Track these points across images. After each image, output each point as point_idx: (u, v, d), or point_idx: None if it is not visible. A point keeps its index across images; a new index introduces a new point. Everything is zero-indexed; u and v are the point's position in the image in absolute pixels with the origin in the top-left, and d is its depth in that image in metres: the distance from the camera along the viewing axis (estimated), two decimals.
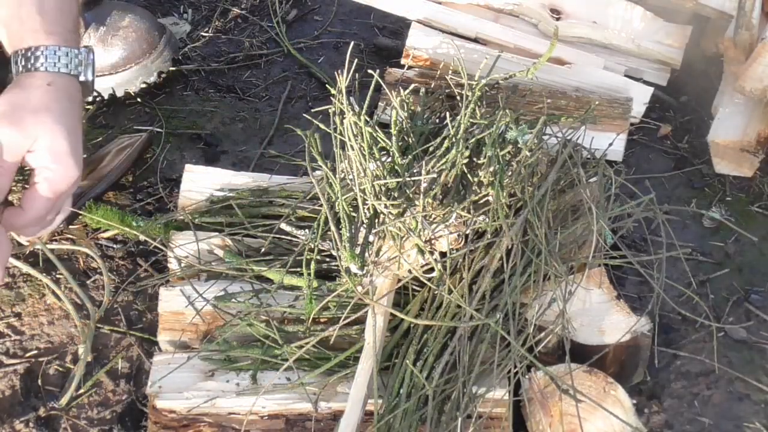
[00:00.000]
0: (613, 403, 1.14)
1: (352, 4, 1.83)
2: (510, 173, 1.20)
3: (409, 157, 1.22)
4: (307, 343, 1.13)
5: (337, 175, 1.24)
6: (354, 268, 1.15)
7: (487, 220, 1.17)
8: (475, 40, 1.70)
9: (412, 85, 1.41)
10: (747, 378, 1.28)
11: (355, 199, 1.20)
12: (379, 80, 1.27)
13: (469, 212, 1.17)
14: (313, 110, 1.60)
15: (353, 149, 1.21)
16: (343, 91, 1.25)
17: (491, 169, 1.17)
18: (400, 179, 1.18)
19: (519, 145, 1.23)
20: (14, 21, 1.05)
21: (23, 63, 1.03)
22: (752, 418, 1.24)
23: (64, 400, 1.22)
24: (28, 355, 1.27)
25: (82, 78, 1.07)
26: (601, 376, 1.17)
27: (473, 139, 1.22)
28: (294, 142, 1.62)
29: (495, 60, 1.37)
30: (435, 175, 1.17)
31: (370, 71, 1.30)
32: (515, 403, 1.17)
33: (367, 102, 1.27)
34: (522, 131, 1.22)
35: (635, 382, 1.25)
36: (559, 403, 1.13)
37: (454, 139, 1.22)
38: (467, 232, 1.19)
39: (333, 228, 1.17)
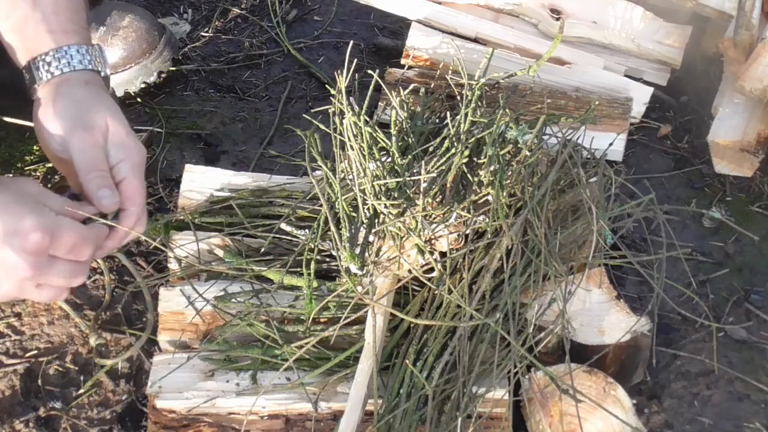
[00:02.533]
0: (613, 403, 1.14)
1: (352, 4, 1.83)
2: (510, 173, 1.20)
3: (409, 157, 1.22)
4: (307, 343, 1.13)
5: (337, 175, 1.24)
6: (354, 268, 1.15)
7: (487, 220, 1.17)
8: (475, 40, 1.70)
9: (412, 85, 1.41)
10: (747, 378, 1.28)
11: (355, 199, 1.20)
12: (379, 80, 1.28)
13: (469, 212, 1.17)
14: (313, 110, 1.60)
15: (353, 149, 1.21)
16: (343, 91, 1.25)
17: (491, 168, 1.17)
18: (400, 179, 1.18)
19: (519, 145, 1.23)
20: (29, 24, 1.05)
21: (48, 66, 1.04)
22: (752, 418, 1.24)
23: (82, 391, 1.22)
24: (28, 355, 1.27)
25: (102, 74, 1.08)
26: (601, 376, 1.17)
27: (473, 139, 1.22)
28: (294, 142, 1.62)
29: (490, 55, 1.37)
30: (435, 175, 1.17)
31: (369, 71, 1.30)
32: (515, 403, 1.17)
33: (366, 102, 1.27)
34: (522, 131, 1.22)
35: (635, 382, 1.25)
36: (559, 403, 1.13)
37: (454, 139, 1.22)
38: (467, 232, 1.19)
39: (333, 228, 1.17)
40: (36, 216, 0.91)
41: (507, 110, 1.25)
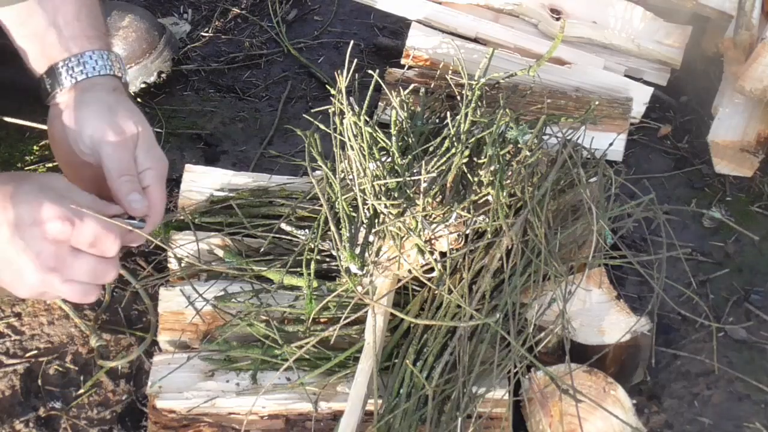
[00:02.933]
0: (613, 403, 1.14)
1: (352, 4, 1.83)
2: (510, 173, 1.20)
3: (409, 157, 1.22)
4: (307, 343, 1.13)
5: (337, 175, 1.24)
6: (354, 268, 1.15)
7: (487, 220, 1.17)
8: (475, 40, 1.70)
9: (412, 85, 1.41)
10: (747, 378, 1.28)
11: (355, 199, 1.20)
12: (379, 80, 1.27)
13: (469, 212, 1.17)
14: (313, 110, 1.60)
15: (353, 149, 1.21)
16: (343, 91, 1.25)
17: (492, 168, 1.17)
18: (400, 179, 1.18)
19: (519, 145, 1.23)
20: (50, 31, 1.06)
21: (72, 71, 1.04)
22: (752, 418, 1.24)
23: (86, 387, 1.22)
24: (28, 355, 1.27)
25: (122, 80, 1.10)
26: (601, 376, 1.17)
27: (473, 139, 1.22)
28: (294, 142, 1.61)
29: (491, 55, 1.37)
30: (435, 175, 1.17)
31: (369, 71, 1.30)
32: (515, 403, 1.17)
33: (366, 102, 1.27)
34: (522, 131, 1.22)
35: (635, 382, 1.25)
36: (559, 403, 1.13)
37: (454, 139, 1.22)
38: (467, 232, 1.19)
39: (333, 228, 1.17)
40: (56, 205, 0.91)
41: (507, 110, 1.25)
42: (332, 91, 1.27)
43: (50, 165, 1.53)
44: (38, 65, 1.07)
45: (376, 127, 1.26)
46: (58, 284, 0.95)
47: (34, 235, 0.91)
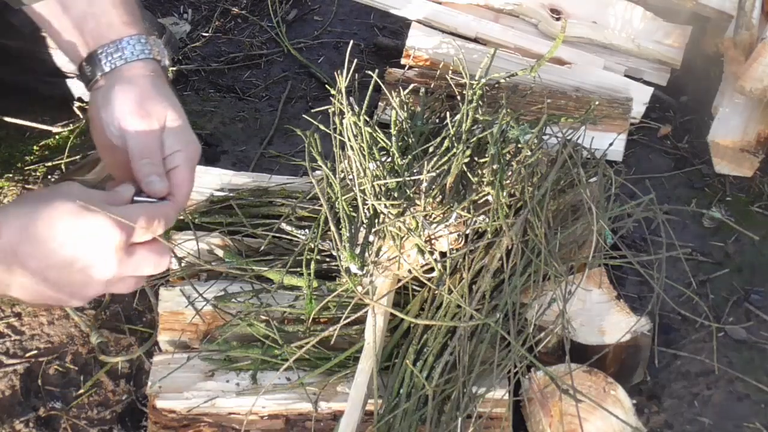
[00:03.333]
0: (613, 403, 1.14)
1: (352, 4, 1.83)
2: (510, 173, 1.20)
3: (409, 156, 1.22)
4: (307, 343, 1.13)
5: (336, 175, 1.24)
6: (354, 268, 1.15)
7: (487, 220, 1.17)
8: (475, 40, 1.70)
9: (412, 85, 1.41)
10: (747, 378, 1.28)
11: (355, 199, 1.20)
12: (378, 81, 1.27)
13: (469, 212, 1.17)
14: (313, 110, 1.60)
15: (353, 149, 1.21)
16: (343, 91, 1.25)
17: (494, 167, 1.17)
18: (400, 179, 1.18)
19: (520, 145, 1.23)
20: (89, 20, 1.06)
21: (111, 57, 1.05)
22: (752, 418, 1.24)
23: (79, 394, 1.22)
24: (28, 355, 1.27)
25: (161, 64, 1.10)
26: (601, 376, 1.17)
27: (474, 138, 1.22)
28: (294, 142, 1.62)
29: (493, 54, 1.37)
30: (434, 174, 1.17)
31: (369, 71, 1.30)
32: (515, 403, 1.17)
33: (366, 102, 1.27)
34: (523, 130, 1.22)
35: (635, 382, 1.25)
36: (559, 403, 1.13)
37: (454, 139, 1.22)
38: (467, 232, 1.19)
39: (333, 228, 1.17)
40: (105, 213, 0.91)
41: (508, 110, 1.25)
42: (332, 91, 1.27)
43: (49, 164, 1.53)
44: (78, 54, 1.08)
45: (376, 127, 1.25)
46: (116, 285, 0.96)
47: (95, 249, 0.91)
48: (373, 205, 1.19)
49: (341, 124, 1.25)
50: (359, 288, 1.17)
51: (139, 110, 1.03)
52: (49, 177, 1.51)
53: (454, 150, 1.19)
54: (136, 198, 0.99)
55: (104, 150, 1.09)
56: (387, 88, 1.32)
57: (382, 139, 1.25)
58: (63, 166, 1.52)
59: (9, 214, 0.91)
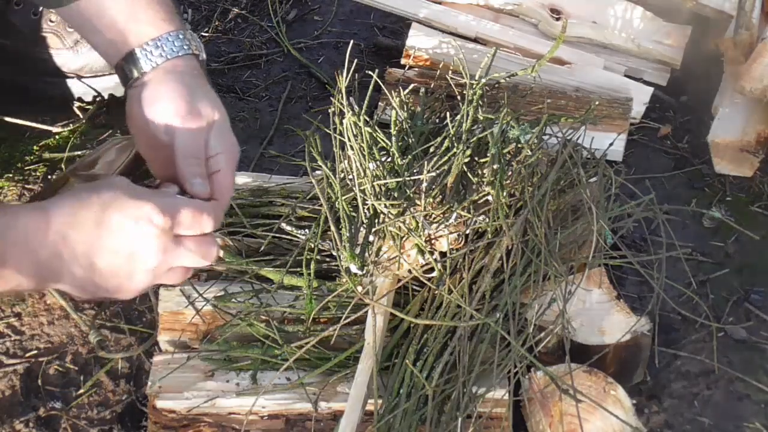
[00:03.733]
0: (613, 403, 1.14)
1: (352, 4, 1.83)
2: (510, 173, 1.20)
3: (409, 156, 1.22)
4: (307, 343, 1.13)
5: (337, 175, 1.23)
6: (354, 268, 1.15)
7: (487, 220, 1.17)
8: (475, 40, 1.70)
9: (412, 85, 1.41)
10: (747, 378, 1.28)
11: (355, 199, 1.20)
12: (378, 81, 1.27)
13: (469, 212, 1.17)
14: (313, 110, 1.60)
15: (353, 149, 1.21)
16: (343, 91, 1.25)
17: (495, 166, 1.17)
18: (400, 179, 1.18)
19: (520, 145, 1.23)
20: (126, 19, 1.07)
21: (150, 54, 1.05)
22: (752, 418, 1.24)
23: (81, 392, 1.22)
24: (28, 355, 1.27)
25: (200, 57, 1.10)
26: (601, 376, 1.17)
27: (474, 138, 1.22)
28: (294, 142, 1.61)
29: (493, 54, 1.36)
30: (434, 174, 1.17)
31: (369, 71, 1.30)
32: (515, 403, 1.17)
33: (366, 102, 1.27)
34: (524, 130, 1.22)
35: (635, 382, 1.25)
36: (559, 403, 1.13)
37: (454, 139, 1.22)
38: (467, 232, 1.19)
39: (333, 228, 1.17)
40: (154, 200, 0.92)
41: (508, 110, 1.25)
42: (332, 92, 1.27)
43: (49, 164, 1.53)
44: (116, 53, 1.08)
45: (376, 127, 1.25)
46: (163, 275, 0.96)
47: (142, 235, 0.91)
48: (373, 205, 1.19)
49: (341, 124, 1.25)
50: (359, 288, 1.17)
51: (189, 109, 1.03)
52: (49, 177, 1.51)
53: (455, 150, 1.19)
54: (178, 197, 1.00)
55: (146, 148, 1.10)
56: (387, 88, 1.31)
57: (382, 139, 1.24)
58: (63, 166, 1.52)
59: (59, 204, 0.92)
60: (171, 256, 0.95)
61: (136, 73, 1.06)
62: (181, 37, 1.08)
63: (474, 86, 1.29)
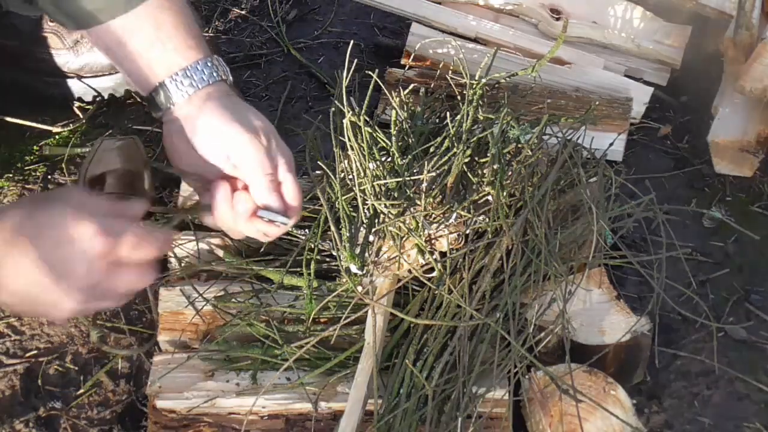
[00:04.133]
0: (613, 403, 1.14)
1: (352, 4, 1.83)
2: (510, 173, 1.20)
3: (409, 156, 1.22)
4: (307, 343, 1.13)
5: (337, 175, 1.23)
6: (354, 268, 1.15)
7: (487, 220, 1.17)
8: (475, 40, 1.70)
9: (411, 85, 1.41)
10: (747, 378, 1.28)
11: (355, 199, 1.20)
12: (378, 81, 1.27)
13: (469, 212, 1.17)
14: (312, 110, 1.60)
15: (353, 149, 1.21)
16: (344, 91, 1.25)
17: (495, 166, 1.17)
18: (400, 179, 1.18)
19: (519, 145, 1.23)
20: (154, 47, 1.07)
21: (181, 85, 1.06)
22: (752, 418, 1.24)
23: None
24: (28, 355, 1.27)
25: (227, 82, 1.11)
26: (601, 376, 1.17)
27: (475, 138, 1.22)
28: (294, 143, 1.61)
29: (494, 54, 1.36)
30: (434, 174, 1.17)
31: (368, 72, 1.30)
32: (515, 403, 1.17)
33: (366, 102, 1.27)
34: (524, 130, 1.22)
35: (635, 382, 1.25)
36: (559, 403, 1.13)
37: (454, 139, 1.22)
38: (467, 232, 1.19)
39: (333, 228, 1.17)
40: (93, 221, 0.90)
41: (508, 110, 1.25)
42: (332, 92, 1.27)
43: (49, 164, 1.53)
44: (145, 82, 1.08)
45: (376, 128, 1.25)
46: (99, 300, 0.95)
47: (76, 256, 0.90)
48: (373, 205, 1.19)
49: (341, 124, 1.25)
50: (359, 288, 1.17)
51: (247, 128, 1.04)
52: (49, 177, 1.51)
53: (455, 150, 1.19)
54: (261, 213, 1.04)
55: (190, 175, 1.11)
56: (387, 88, 1.31)
57: (382, 139, 1.24)
58: (64, 166, 1.52)
59: (9, 214, 0.91)
60: (107, 281, 0.92)
61: (168, 105, 1.07)
62: (209, 64, 1.08)
63: (474, 86, 1.29)
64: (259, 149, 1.04)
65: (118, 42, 1.07)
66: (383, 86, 1.30)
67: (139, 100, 1.67)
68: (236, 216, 1.07)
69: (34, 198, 0.94)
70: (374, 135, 1.24)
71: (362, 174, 1.20)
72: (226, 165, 1.05)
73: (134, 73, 1.09)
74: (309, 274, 1.19)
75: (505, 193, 1.16)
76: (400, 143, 1.24)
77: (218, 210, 1.08)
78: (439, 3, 1.74)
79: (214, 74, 1.08)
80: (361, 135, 1.22)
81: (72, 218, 0.90)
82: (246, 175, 1.05)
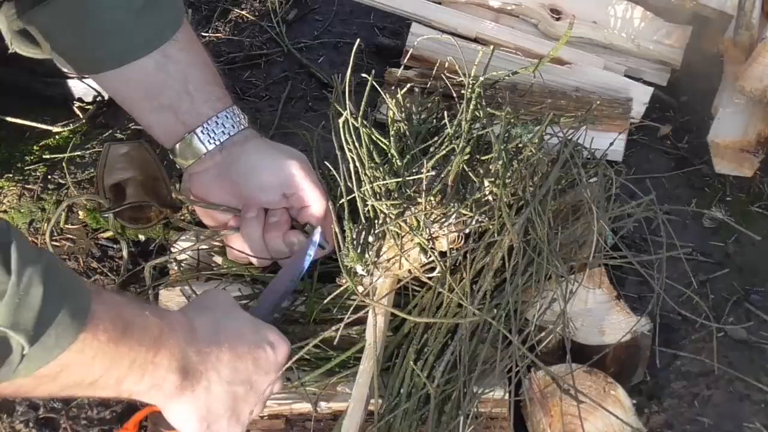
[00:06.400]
0: (613, 403, 1.14)
1: (352, 4, 1.82)
2: (511, 172, 1.19)
3: (408, 156, 1.22)
4: (307, 344, 1.12)
5: (341, 175, 1.23)
6: (360, 269, 1.15)
7: (488, 219, 1.17)
8: (475, 40, 1.69)
9: (408, 85, 1.40)
10: (747, 378, 1.28)
11: (355, 200, 1.19)
12: (374, 84, 1.25)
13: (471, 210, 1.17)
14: (312, 110, 1.59)
15: (352, 151, 1.21)
16: (340, 92, 1.24)
17: (498, 163, 1.16)
18: (399, 179, 1.18)
19: (520, 145, 1.23)
20: (183, 99, 1.12)
21: (213, 134, 1.12)
22: (752, 418, 1.24)
23: None
24: None
25: (251, 127, 1.18)
26: (601, 376, 1.17)
27: (474, 136, 1.22)
28: (294, 143, 1.61)
29: (492, 52, 1.36)
30: (433, 173, 1.17)
31: (364, 75, 1.28)
32: (515, 403, 1.17)
33: (363, 102, 1.27)
34: (527, 128, 1.22)
35: (635, 382, 1.25)
36: (560, 403, 1.13)
37: (453, 138, 1.22)
38: (467, 232, 1.19)
39: (336, 228, 1.17)
40: (273, 330, 1.00)
41: (509, 108, 1.24)
42: (330, 94, 1.26)
43: (49, 164, 1.53)
44: (173, 134, 1.13)
45: (374, 129, 1.25)
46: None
47: (267, 365, 0.98)
48: (373, 205, 1.18)
49: (341, 125, 1.24)
50: (360, 288, 1.17)
51: (298, 163, 1.13)
52: (49, 177, 1.51)
53: (452, 145, 1.19)
54: (316, 231, 1.13)
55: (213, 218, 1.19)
56: (386, 88, 1.31)
57: (379, 139, 1.24)
58: (64, 165, 1.52)
59: (193, 308, 0.97)
60: (278, 381, 1.01)
61: (199, 153, 1.12)
62: (235, 112, 1.15)
63: (472, 84, 1.28)
64: (312, 177, 1.12)
65: (150, 96, 1.13)
66: (379, 89, 1.29)
67: None
68: (270, 230, 1.12)
69: (206, 305, 0.98)
70: (372, 136, 1.24)
71: (362, 174, 1.20)
72: (277, 196, 1.12)
73: (163, 125, 1.15)
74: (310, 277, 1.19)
75: (507, 191, 1.16)
76: (398, 143, 1.24)
77: (247, 227, 1.12)
78: (439, 3, 1.74)
79: (239, 123, 1.14)
80: (359, 137, 1.22)
81: (259, 328, 0.98)
82: (305, 198, 1.12)
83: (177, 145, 1.12)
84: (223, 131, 1.11)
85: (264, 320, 1.03)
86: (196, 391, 0.91)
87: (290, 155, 1.13)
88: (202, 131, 1.10)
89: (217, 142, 1.11)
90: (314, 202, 1.15)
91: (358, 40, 1.30)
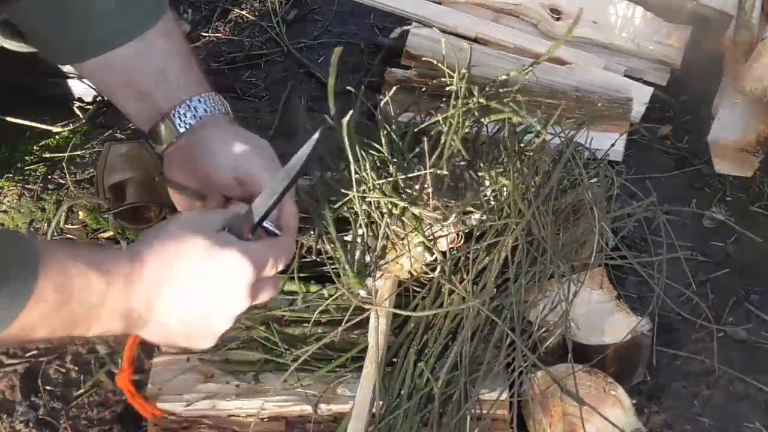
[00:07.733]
0: (613, 403, 1.14)
1: (352, 4, 1.82)
2: (518, 168, 1.19)
3: (408, 156, 1.22)
4: (308, 350, 1.12)
5: (341, 176, 1.23)
6: (363, 293, 1.14)
7: (488, 218, 1.17)
8: (475, 40, 1.69)
9: (395, 87, 1.40)
10: (747, 378, 1.28)
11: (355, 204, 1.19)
12: (372, 84, 1.25)
13: (477, 208, 1.16)
14: (312, 110, 1.59)
15: (350, 153, 1.21)
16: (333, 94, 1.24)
17: (505, 160, 1.16)
18: (398, 179, 1.17)
19: (536, 131, 1.22)
20: (160, 87, 1.10)
21: (184, 117, 1.10)
22: (752, 418, 1.24)
23: None
24: (28, 355, 1.27)
25: (230, 116, 1.15)
26: (601, 376, 1.17)
27: (473, 137, 1.22)
28: (294, 143, 1.61)
29: (470, 51, 1.35)
30: (433, 172, 1.17)
31: (363, 79, 1.29)
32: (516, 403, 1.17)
33: (359, 104, 1.27)
34: (539, 121, 1.21)
35: (635, 382, 1.25)
36: (560, 403, 1.13)
37: (450, 136, 1.21)
38: (467, 231, 1.19)
39: (333, 232, 1.16)
40: (240, 246, 0.94)
41: (510, 106, 1.24)
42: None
43: (49, 164, 1.53)
44: (147, 119, 1.11)
45: (373, 129, 1.25)
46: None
47: (232, 285, 0.93)
48: (373, 206, 1.18)
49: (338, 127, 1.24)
50: (361, 291, 1.16)
51: (254, 146, 1.08)
52: (49, 177, 1.51)
53: (448, 139, 1.18)
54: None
55: (186, 190, 1.13)
56: (385, 88, 1.31)
57: (374, 144, 1.24)
58: (64, 165, 1.52)
59: (153, 251, 0.93)
60: (251, 301, 0.96)
61: (171, 136, 1.10)
62: (210, 98, 1.12)
63: (460, 80, 1.28)
64: (265, 163, 1.07)
65: (126, 84, 1.11)
66: (376, 89, 1.29)
67: None
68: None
69: (169, 234, 0.96)
70: (371, 137, 1.24)
71: (361, 175, 1.20)
72: (230, 180, 1.07)
73: (138, 110, 1.12)
74: (310, 280, 1.18)
75: (519, 184, 1.15)
76: (395, 144, 1.24)
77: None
78: (439, 3, 1.74)
79: (215, 108, 1.11)
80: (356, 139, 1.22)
81: (218, 250, 0.92)
82: (253, 187, 1.06)
83: (151, 130, 1.12)
84: (194, 115, 1.10)
85: (252, 229, 1.00)
86: (148, 327, 0.93)
87: (247, 140, 1.09)
88: (173, 115, 1.09)
89: (187, 126, 1.10)
90: (258, 191, 1.09)
91: (362, 43, 1.30)
